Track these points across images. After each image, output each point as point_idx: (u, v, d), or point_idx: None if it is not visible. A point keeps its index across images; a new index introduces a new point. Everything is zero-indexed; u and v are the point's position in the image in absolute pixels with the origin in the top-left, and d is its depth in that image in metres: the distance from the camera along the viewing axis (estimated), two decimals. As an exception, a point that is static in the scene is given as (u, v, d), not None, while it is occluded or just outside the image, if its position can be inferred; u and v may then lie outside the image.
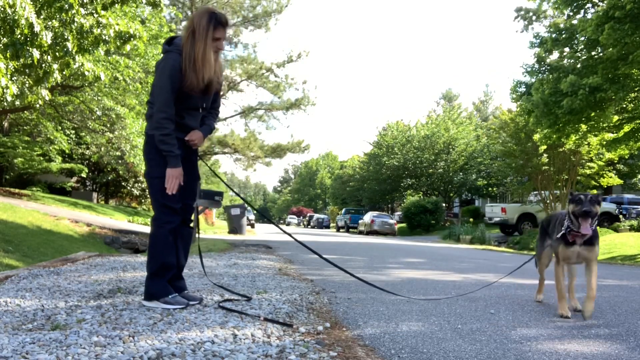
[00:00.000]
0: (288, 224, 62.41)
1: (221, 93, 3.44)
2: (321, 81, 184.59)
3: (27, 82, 7.12)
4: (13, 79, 6.56)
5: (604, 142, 14.58)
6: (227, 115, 30.34)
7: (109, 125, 14.73)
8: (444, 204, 33.96)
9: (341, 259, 7.91)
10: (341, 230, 37.17)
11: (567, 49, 13.17)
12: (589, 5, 12.70)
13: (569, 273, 3.72)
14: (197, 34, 2.93)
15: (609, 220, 19.03)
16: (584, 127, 13.47)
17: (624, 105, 13.00)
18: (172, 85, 2.94)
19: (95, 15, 6.84)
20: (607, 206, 19.67)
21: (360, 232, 30.98)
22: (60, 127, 17.86)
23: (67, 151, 19.39)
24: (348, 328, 2.77)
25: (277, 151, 32.46)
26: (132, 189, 26.40)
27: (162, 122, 2.96)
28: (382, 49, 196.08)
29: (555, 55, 13.47)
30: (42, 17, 6.48)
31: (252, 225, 31.05)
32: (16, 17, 5.53)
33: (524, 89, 14.24)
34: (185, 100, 3.05)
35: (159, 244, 3.08)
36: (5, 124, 19.35)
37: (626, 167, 25.07)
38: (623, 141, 13.66)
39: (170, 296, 3.05)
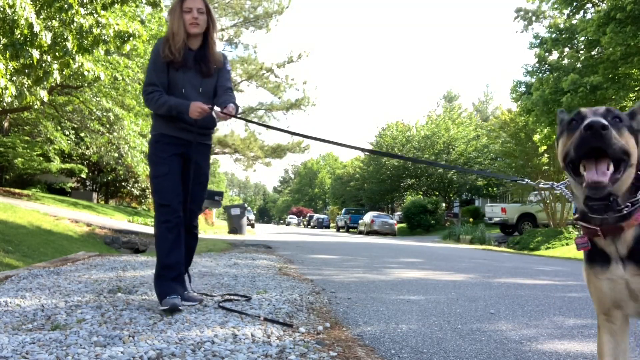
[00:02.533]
0: (288, 224, 62.37)
1: (228, 70, 3.30)
2: (321, 81, 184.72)
3: (27, 82, 7.11)
4: (12, 79, 6.56)
5: None
6: (227, 116, 30.28)
7: (108, 126, 14.72)
8: (444, 204, 33.96)
9: (341, 259, 7.91)
10: (341, 230, 37.17)
11: (567, 49, 13.19)
12: (589, 5, 12.71)
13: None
14: (170, 11, 3.11)
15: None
16: (583, 127, 13.48)
17: (624, 105, 13.02)
18: (154, 66, 3.08)
19: (95, 15, 6.84)
20: None
21: (360, 232, 30.97)
22: (60, 127, 17.85)
23: (66, 151, 19.37)
24: (348, 328, 2.77)
25: (277, 151, 32.46)
26: (132, 189, 26.39)
27: (150, 96, 3.02)
28: (382, 49, 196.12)
29: (555, 55, 13.50)
30: (41, 17, 6.48)
31: (252, 225, 31.02)
32: (16, 18, 5.53)
33: (524, 89, 14.27)
34: (174, 81, 3.08)
35: (159, 243, 3.03)
36: (5, 124, 19.33)
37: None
38: None
39: (168, 297, 2.93)
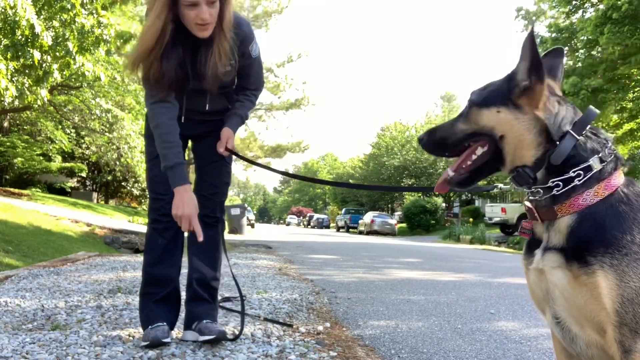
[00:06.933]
0: (288, 224, 62.35)
1: (254, 59, 2.22)
2: (321, 81, 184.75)
3: (27, 82, 7.12)
4: (13, 79, 6.56)
5: None
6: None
7: (108, 126, 14.73)
8: (444, 204, 33.99)
9: (341, 259, 7.91)
10: (341, 230, 37.16)
11: (566, 49, 13.24)
12: (588, 5, 12.75)
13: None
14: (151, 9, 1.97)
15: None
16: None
17: (624, 105, 13.04)
18: None
19: (96, 16, 6.86)
20: None
21: (360, 232, 30.97)
22: (60, 127, 17.86)
23: (67, 150, 19.39)
24: (348, 328, 2.77)
25: (277, 151, 32.46)
26: (132, 189, 26.42)
27: (150, 107, 2.11)
28: (382, 49, 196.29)
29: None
30: (42, 17, 6.49)
31: (252, 225, 31.00)
32: (17, 19, 5.54)
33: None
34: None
35: (146, 249, 2.36)
36: (5, 124, 19.34)
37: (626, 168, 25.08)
38: (622, 140, 13.71)
39: (150, 326, 2.18)
